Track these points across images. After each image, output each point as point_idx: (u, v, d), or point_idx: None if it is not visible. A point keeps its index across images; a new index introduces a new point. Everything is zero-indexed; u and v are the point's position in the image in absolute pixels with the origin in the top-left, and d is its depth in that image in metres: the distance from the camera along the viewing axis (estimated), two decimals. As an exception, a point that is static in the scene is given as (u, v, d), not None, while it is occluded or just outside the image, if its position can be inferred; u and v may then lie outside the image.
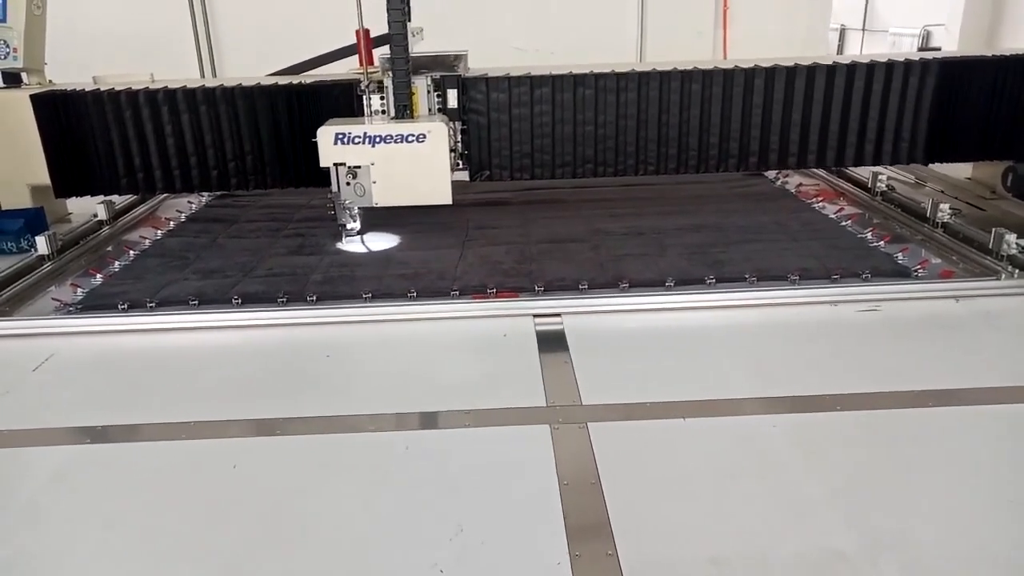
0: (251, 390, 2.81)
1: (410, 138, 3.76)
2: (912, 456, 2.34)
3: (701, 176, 4.68)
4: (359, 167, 3.78)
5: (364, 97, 3.90)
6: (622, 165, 4.30)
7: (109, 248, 4.26)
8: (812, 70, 4.19)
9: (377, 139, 3.75)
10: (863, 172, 4.85)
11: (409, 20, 3.80)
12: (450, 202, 3.91)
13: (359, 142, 3.75)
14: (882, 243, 3.89)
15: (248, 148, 4.30)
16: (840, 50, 11.91)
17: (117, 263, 3.99)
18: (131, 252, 4.13)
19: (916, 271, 3.56)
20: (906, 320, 3.18)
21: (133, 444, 2.53)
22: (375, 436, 2.50)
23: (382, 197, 3.85)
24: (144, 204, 4.97)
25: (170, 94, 4.20)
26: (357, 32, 3.86)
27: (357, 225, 4.07)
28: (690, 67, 4.17)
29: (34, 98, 4.15)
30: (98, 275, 3.80)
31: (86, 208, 4.65)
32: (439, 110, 4.10)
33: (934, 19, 9.56)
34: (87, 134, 4.24)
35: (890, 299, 3.31)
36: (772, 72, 4.17)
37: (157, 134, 4.24)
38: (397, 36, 3.73)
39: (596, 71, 4.15)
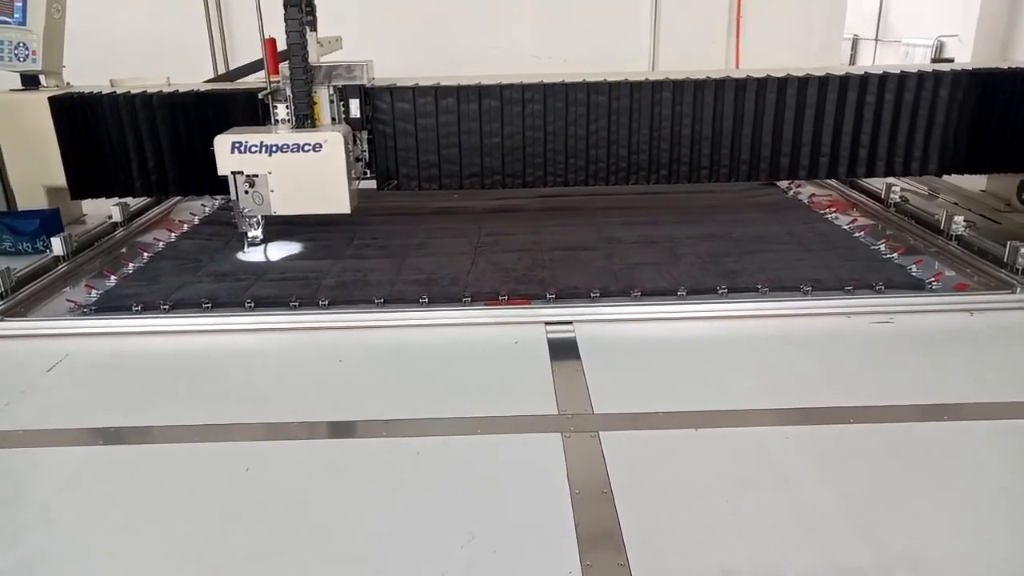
0: (263, 394, 2.82)
1: (306, 147, 3.73)
2: (926, 470, 2.32)
3: (714, 185, 4.67)
4: (256, 176, 3.77)
5: (270, 106, 3.88)
6: (530, 176, 4.24)
7: (123, 250, 4.28)
8: (805, 81, 4.11)
9: (274, 148, 3.72)
10: (876, 183, 4.83)
11: (314, 31, 3.79)
12: (348, 211, 3.86)
13: (256, 151, 3.73)
14: (896, 255, 3.87)
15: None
16: (852, 60, 11.88)
17: (131, 265, 4.01)
18: (145, 254, 4.15)
19: (930, 283, 3.53)
20: (920, 333, 3.16)
21: (146, 446, 2.54)
22: (386, 442, 2.50)
23: (280, 206, 3.82)
24: (158, 207, 4.99)
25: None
26: (264, 41, 3.81)
27: (259, 234, 4.05)
28: (599, 79, 4.11)
29: (52, 100, 4.18)
30: (112, 277, 3.82)
31: (101, 210, 4.68)
32: (344, 119, 4.07)
33: (948, 30, 9.53)
34: (103, 136, 4.26)
35: (904, 311, 3.29)
36: (722, 83, 4.10)
37: (171, 137, 4.27)
38: (295, 47, 3.72)
39: (503, 82, 4.10)
